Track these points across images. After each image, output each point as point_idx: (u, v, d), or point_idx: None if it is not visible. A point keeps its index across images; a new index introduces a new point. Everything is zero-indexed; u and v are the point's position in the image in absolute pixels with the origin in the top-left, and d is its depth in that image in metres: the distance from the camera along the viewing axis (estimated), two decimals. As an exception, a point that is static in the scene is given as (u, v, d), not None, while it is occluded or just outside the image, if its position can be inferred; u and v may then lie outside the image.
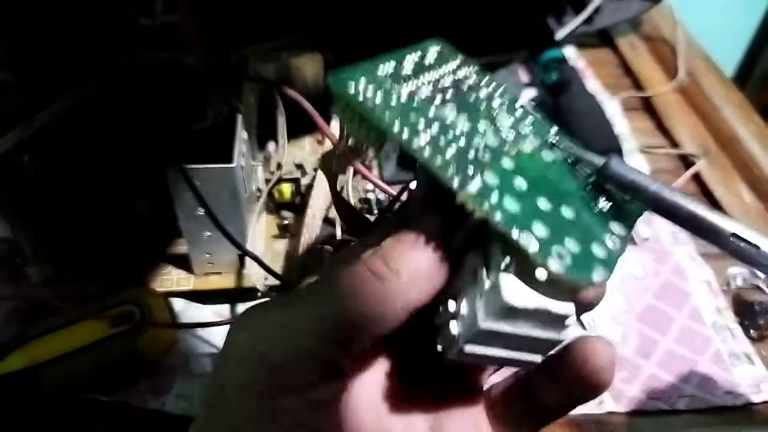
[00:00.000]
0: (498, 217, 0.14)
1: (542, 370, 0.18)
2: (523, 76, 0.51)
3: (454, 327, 0.16)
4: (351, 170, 0.36)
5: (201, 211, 0.31)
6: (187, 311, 0.33)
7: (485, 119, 0.18)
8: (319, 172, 0.35)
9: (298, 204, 0.37)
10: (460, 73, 0.19)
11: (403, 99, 0.17)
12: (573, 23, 0.51)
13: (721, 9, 0.83)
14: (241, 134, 0.32)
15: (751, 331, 0.35)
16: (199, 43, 0.29)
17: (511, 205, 0.15)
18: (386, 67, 0.18)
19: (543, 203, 0.16)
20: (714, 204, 0.42)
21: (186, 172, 0.29)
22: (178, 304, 0.33)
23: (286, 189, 0.37)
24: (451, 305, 0.16)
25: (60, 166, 0.32)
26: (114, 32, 0.34)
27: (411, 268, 0.15)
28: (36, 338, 0.30)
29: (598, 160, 0.17)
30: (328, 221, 0.36)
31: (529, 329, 0.15)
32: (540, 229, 0.15)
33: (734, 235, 0.15)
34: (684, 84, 0.51)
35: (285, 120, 0.36)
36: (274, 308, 0.17)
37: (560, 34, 0.51)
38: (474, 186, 0.15)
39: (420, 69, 0.18)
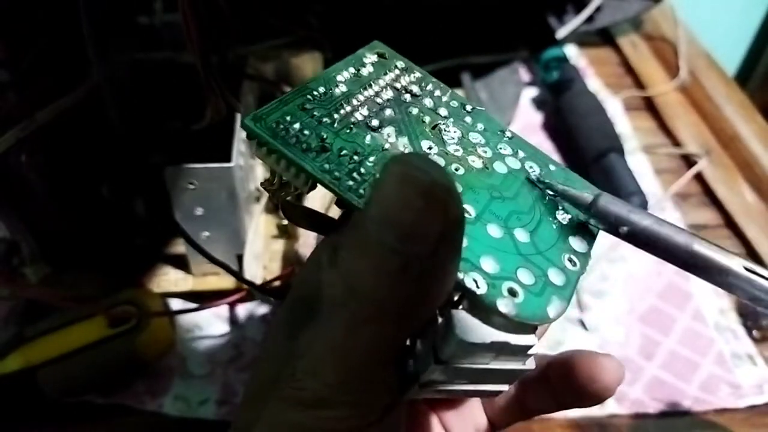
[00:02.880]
0: None
1: (537, 380, 0.18)
2: (524, 75, 0.51)
3: (410, 365, 0.15)
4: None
5: (199, 212, 0.30)
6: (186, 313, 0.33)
7: (430, 136, 0.17)
8: None
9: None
10: (402, 82, 0.18)
11: (333, 131, 0.16)
12: (574, 22, 0.51)
13: (722, 8, 0.83)
14: (240, 133, 0.31)
15: (754, 332, 0.34)
16: (198, 41, 0.28)
17: None
18: (315, 95, 0.16)
19: (493, 230, 0.15)
20: (716, 203, 0.42)
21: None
22: (175, 304, 0.33)
23: None
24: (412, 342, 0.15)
25: (58, 166, 0.32)
26: (113, 34, 0.34)
27: None
28: (33, 339, 0.29)
29: (586, 197, 0.15)
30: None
31: (489, 362, 0.14)
32: (489, 264, 0.14)
33: (746, 268, 0.14)
34: (685, 83, 0.51)
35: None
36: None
37: (561, 32, 0.51)
38: None
39: (356, 85, 0.17)
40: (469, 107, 0.18)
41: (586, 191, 0.16)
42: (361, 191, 0.15)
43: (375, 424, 0.14)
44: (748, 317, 0.35)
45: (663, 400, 0.31)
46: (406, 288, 0.12)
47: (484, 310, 0.13)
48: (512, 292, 0.13)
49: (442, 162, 0.16)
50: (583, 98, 0.45)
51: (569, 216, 0.16)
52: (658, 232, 0.14)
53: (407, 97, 0.18)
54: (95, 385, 0.30)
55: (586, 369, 0.17)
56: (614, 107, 0.48)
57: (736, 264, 0.14)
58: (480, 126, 0.18)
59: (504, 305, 0.13)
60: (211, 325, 0.33)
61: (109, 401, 0.30)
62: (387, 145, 0.16)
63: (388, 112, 0.17)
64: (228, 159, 0.29)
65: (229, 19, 0.34)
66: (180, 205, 0.30)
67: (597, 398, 0.17)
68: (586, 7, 0.51)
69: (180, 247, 0.34)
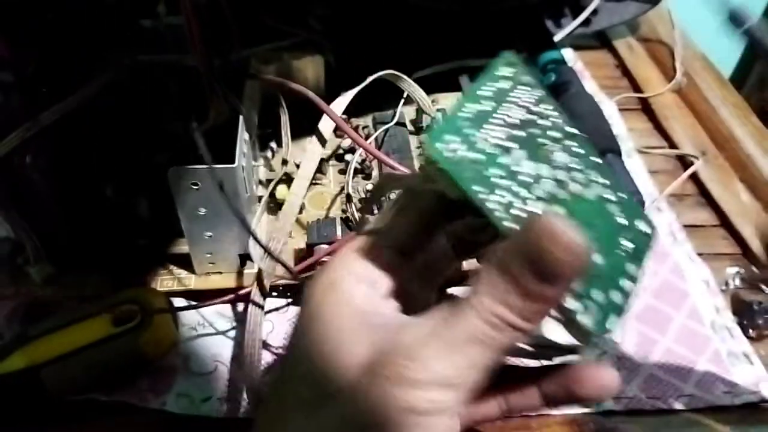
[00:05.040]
0: None
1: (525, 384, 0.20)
2: (522, 77, 0.51)
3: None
4: (351, 170, 0.36)
5: (202, 212, 0.31)
6: (188, 310, 0.33)
7: (547, 161, 0.18)
8: (302, 166, 0.35)
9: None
10: (529, 100, 0.19)
11: (483, 152, 0.17)
12: (571, 25, 0.52)
13: (718, 10, 0.83)
14: (243, 134, 0.32)
15: (750, 330, 0.35)
16: (201, 44, 0.29)
17: None
18: (466, 114, 0.17)
19: None
20: (712, 204, 0.42)
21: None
22: (179, 303, 0.33)
23: (285, 190, 0.37)
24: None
25: (62, 167, 0.32)
26: (117, 33, 0.34)
27: None
28: (37, 338, 0.30)
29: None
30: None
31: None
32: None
33: None
34: (681, 85, 0.51)
35: (288, 118, 0.36)
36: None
37: (558, 36, 0.51)
38: None
39: (493, 103, 0.18)
40: (571, 130, 0.19)
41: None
42: (505, 218, 0.16)
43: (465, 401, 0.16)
44: (744, 316, 0.35)
45: (659, 398, 0.32)
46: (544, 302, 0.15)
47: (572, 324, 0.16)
48: (587, 309, 0.16)
49: (555, 187, 0.17)
50: (581, 100, 0.46)
51: (632, 246, 0.18)
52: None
53: (533, 118, 0.19)
54: (99, 383, 0.30)
55: (587, 381, 0.18)
56: (610, 109, 0.48)
57: None
58: (579, 151, 0.19)
59: (585, 320, 0.16)
60: (213, 322, 0.33)
61: (112, 399, 0.30)
62: (515, 168, 0.17)
63: (518, 132, 0.18)
64: (231, 160, 0.30)
65: (231, 21, 0.35)
66: (183, 205, 0.30)
67: (591, 402, 0.20)
68: (583, 10, 0.52)
69: (183, 246, 0.34)
